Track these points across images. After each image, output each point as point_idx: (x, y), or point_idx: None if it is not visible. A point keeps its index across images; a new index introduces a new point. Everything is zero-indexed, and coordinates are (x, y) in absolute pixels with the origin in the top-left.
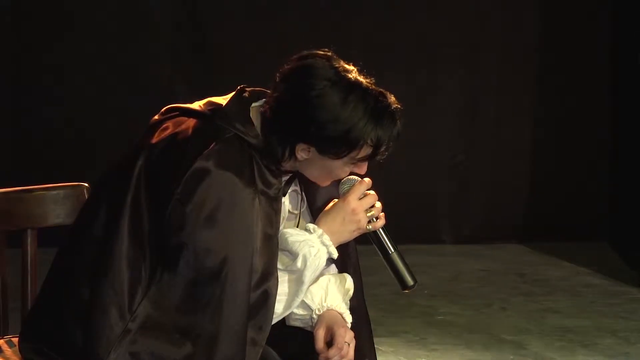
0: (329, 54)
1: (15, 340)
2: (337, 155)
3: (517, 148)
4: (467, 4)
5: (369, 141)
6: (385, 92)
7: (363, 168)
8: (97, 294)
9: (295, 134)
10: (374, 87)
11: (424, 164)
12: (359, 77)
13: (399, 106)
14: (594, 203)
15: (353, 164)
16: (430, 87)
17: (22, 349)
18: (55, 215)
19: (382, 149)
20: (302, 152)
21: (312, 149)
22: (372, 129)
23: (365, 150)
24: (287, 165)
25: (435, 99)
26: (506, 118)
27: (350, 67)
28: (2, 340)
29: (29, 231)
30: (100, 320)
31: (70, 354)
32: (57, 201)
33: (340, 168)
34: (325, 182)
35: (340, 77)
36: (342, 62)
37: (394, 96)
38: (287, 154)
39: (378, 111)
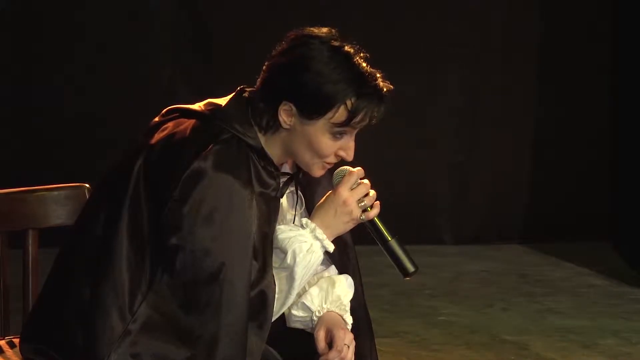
0: (333, 30)
1: (17, 340)
2: (314, 114)
3: (517, 148)
4: (467, 3)
5: (347, 103)
6: (377, 72)
7: (348, 148)
8: (98, 294)
9: (280, 90)
10: (367, 64)
11: (425, 164)
12: (354, 52)
13: (390, 87)
14: (595, 203)
15: (333, 135)
16: (431, 86)
17: (23, 349)
18: (57, 216)
19: (359, 119)
20: (285, 115)
21: (294, 110)
22: (351, 92)
23: (342, 115)
24: (277, 143)
25: (435, 98)
26: (506, 118)
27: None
28: (3, 341)
29: (30, 232)
30: (100, 321)
31: (71, 354)
32: (58, 202)
33: (322, 140)
34: (313, 164)
35: (336, 44)
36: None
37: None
38: (271, 122)
39: (361, 79)
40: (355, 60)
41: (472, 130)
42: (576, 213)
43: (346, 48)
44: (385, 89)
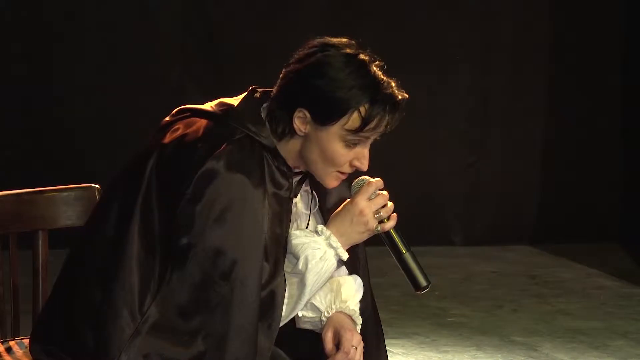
0: (353, 41)
1: (26, 341)
2: (327, 120)
3: (527, 149)
4: (477, 4)
5: (360, 110)
6: (392, 80)
7: (363, 158)
8: (108, 295)
9: (295, 96)
10: (382, 73)
11: (435, 166)
12: (370, 60)
13: (405, 96)
14: (605, 204)
15: (347, 144)
16: (441, 88)
17: (33, 350)
18: (67, 217)
19: (372, 126)
20: (299, 122)
21: (308, 117)
22: (365, 98)
23: (355, 121)
24: (291, 150)
25: (445, 100)
26: (516, 119)
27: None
28: (13, 342)
29: (40, 233)
30: (111, 321)
31: (81, 355)
32: (68, 203)
33: (335, 148)
34: (327, 173)
35: (352, 52)
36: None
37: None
38: (287, 129)
39: (376, 86)
40: (370, 67)
41: (482, 131)
42: (586, 214)
43: (361, 56)
44: (400, 97)
